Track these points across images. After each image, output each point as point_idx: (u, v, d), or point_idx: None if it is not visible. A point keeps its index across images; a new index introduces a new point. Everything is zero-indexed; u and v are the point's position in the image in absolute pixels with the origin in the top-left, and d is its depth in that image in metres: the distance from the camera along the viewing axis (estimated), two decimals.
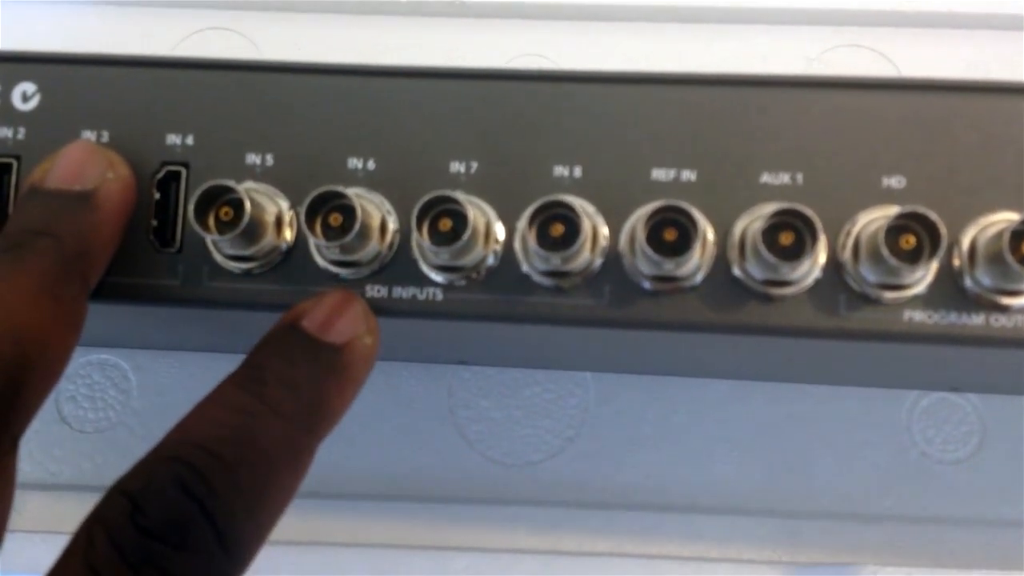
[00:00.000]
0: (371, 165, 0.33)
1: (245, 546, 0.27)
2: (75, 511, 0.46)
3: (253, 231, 0.31)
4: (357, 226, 0.30)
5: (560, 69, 0.33)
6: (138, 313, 0.36)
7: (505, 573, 0.44)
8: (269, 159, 0.33)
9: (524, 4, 0.50)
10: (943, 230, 0.29)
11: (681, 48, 0.51)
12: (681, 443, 0.46)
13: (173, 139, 0.33)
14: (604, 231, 0.32)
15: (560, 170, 0.33)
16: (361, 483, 0.46)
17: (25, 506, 0.46)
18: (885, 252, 0.29)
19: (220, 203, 0.31)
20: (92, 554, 0.25)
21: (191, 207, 0.30)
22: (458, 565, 0.44)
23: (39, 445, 0.47)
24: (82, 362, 0.48)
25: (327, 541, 0.45)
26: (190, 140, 0.33)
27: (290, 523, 0.45)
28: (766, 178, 0.32)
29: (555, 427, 0.46)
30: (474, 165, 0.33)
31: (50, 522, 0.46)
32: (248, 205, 0.30)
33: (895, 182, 0.32)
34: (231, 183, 0.30)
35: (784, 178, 0.32)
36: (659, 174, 0.32)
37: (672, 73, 0.33)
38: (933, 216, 0.29)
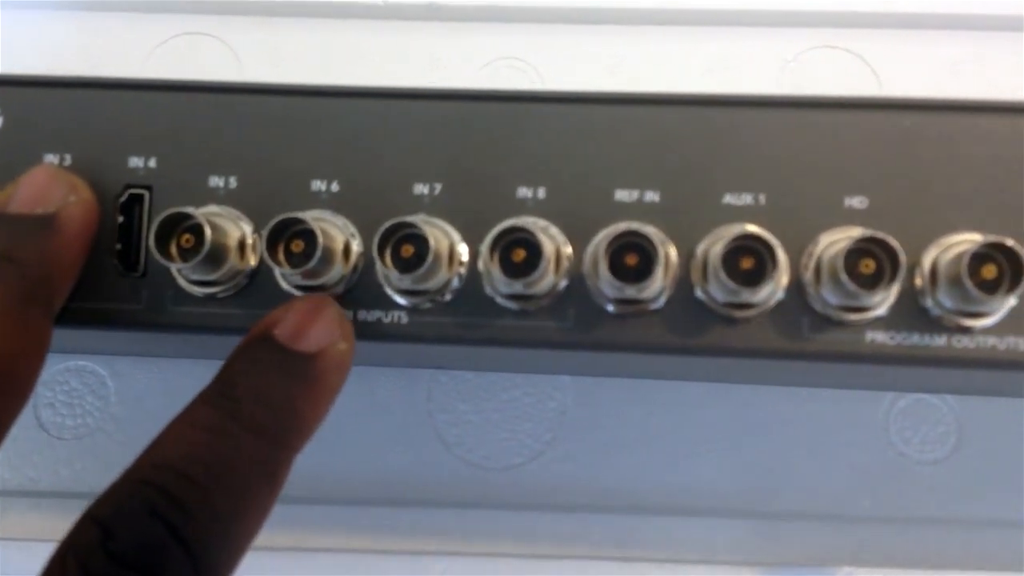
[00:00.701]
0: (335, 187, 0.33)
1: (219, 570, 0.27)
2: (54, 518, 0.46)
3: (215, 257, 0.31)
4: (318, 253, 0.30)
5: (524, 90, 0.33)
6: (105, 335, 0.36)
7: None
8: (232, 182, 0.33)
9: (501, 8, 0.50)
10: (902, 256, 0.29)
11: (658, 51, 0.51)
12: (659, 445, 0.46)
13: (136, 162, 0.33)
14: (568, 251, 0.32)
15: (524, 191, 0.33)
16: (340, 488, 0.46)
17: (3, 513, 0.46)
18: (844, 277, 0.29)
19: (181, 230, 0.31)
20: None
21: (151, 236, 0.30)
22: (437, 568, 0.44)
23: (17, 452, 0.47)
24: (60, 368, 0.48)
25: (306, 547, 0.45)
26: (153, 163, 0.33)
27: (268, 529, 0.46)
28: (729, 199, 0.32)
29: (534, 430, 0.46)
30: (438, 187, 0.33)
31: (29, 529, 0.46)
32: (208, 232, 0.30)
33: (857, 202, 0.32)
34: (190, 210, 0.30)
35: (747, 199, 0.32)
36: (622, 195, 0.32)
37: (635, 93, 0.33)
38: (892, 241, 0.29)
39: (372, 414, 0.47)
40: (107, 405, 0.47)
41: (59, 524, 0.45)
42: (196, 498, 0.26)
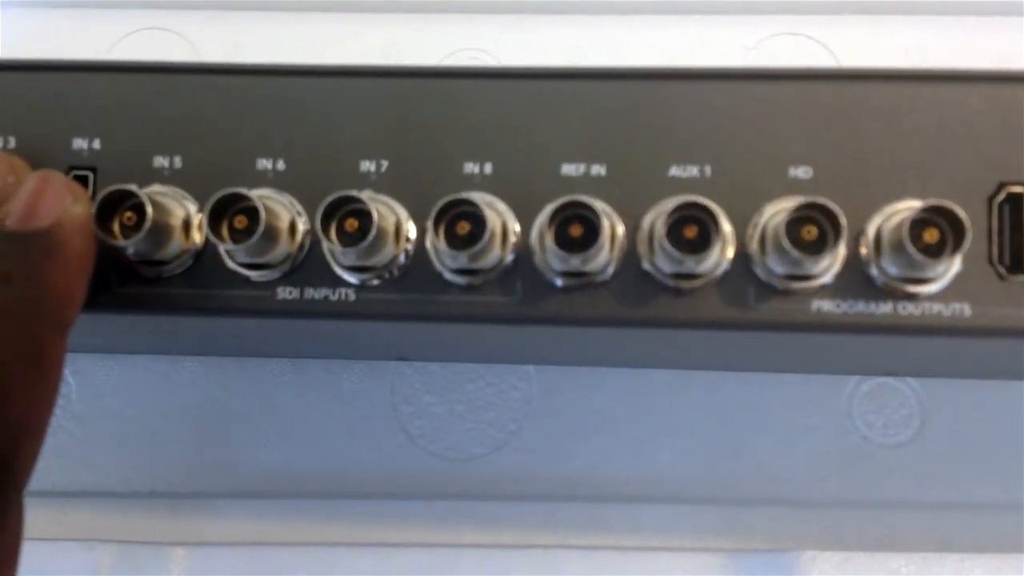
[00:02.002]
0: (280, 165, 0.33)
1: (6, 451, 0.27)
2: None
3: (158, 235, 0.31)
4: (261, 228, 0.30)
5: (468, 66, 0.33)
6: None
7: (449, 567, 0.44)
8: (177, 161, 0.33)
9: None
10: (843, 220, 0.29)
11: (620, 40, 0.51)
12: (623, 433, 0.46)
13: (80, 143, 0.33)
14: (515, 227, 0.32)
15: (471, 167, 0.33)
16: (304, 482, 0.46)
17: None
18: (787, 243, 0.29)
19: (124, 208, 0.31)
20: None
21: (93, 214, 0.30)
22: (402, 560, 0.44)
23: None
24: None
25: (270, 541, 0.45)
26: (97, 144, 0.33)
27: (234, 523, 0.46)
28: (675, 171, 0.32)
29: (498, 420, 0.46)
30: (384, 164, 0.33)
31: None
32: (150, 209, 0.30)
33: (802, 172, 0.32)
34: (131, 187, 0.30)
35: (692, 171, 0.32)
36: (569, 169, 0.32)
37: (579, 68, 0.33)
38: (832, 206, 0.29)
39: (337, 407, 0.47)
40: (68, 403, 0.47)
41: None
42: None
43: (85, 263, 0.31)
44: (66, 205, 0.30)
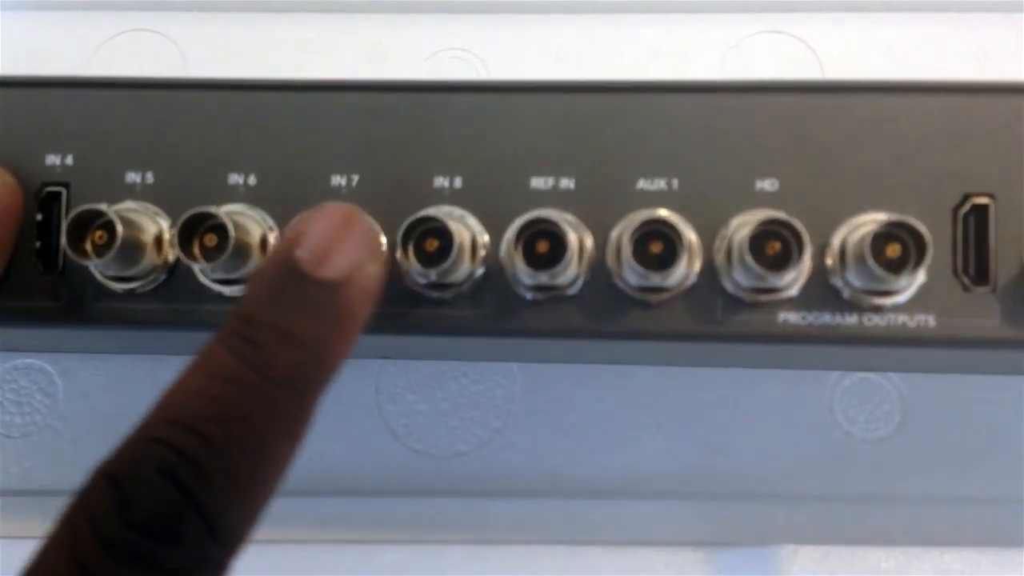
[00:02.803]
0: (252, 180, 0.33)
1: (238, 533, 0.25)
2: (4, 516, 0.47)
3: (130, 252, 0.31)
4: (231, 246, 0.30)
5: (438, 80, 0.34)
6: (43, 333, 0.36)
7: (434, 564, 0.45)
8: (149, 177, 0.33)
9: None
10: (805, 236, 0.29)
11: (603, 39, 0.51)
12: (607, 430, 0.46)
13: (53, 159, 0.33)
14: (485, 240, 0.33)
15: (441, 181, 0.33)
16: (289, 480, 0.46)
17: None
18: (750, 259, 0.29)
19: (95, 226, 0.31)
20: (77, 549, 0.23)
21: (63, 234, 0.30)
22: (387, 557, 0.45)
23: None
24: (8, 367, 0.48)
25: (256, 539, 0.45)
26: (70, 160, 0.33)
27: None
28: (642, 184, 0.32)
29: (482, 418, 0.47)
30: (355, 178, 0.33)
31: None
32: (120, 227, 0.30)
33: (768, 185, 0.32)
34: (101, 207, 0.30)
35: (660, 184, 0.32)
36: (538, 183, 0.33)
37: (547, 81, 0.33)
38: (795, 222, 0.29)
39: (321, 405, 0.47)
40: (55, 403, 0.48)
41: (9, 522, 0.46)
42: (213, 461, 0.24)
43: (358, 333, 0.28)
44: (363, 259, 0.27)
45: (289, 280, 0.26)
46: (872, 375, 0.46)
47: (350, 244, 0.27)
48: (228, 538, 0.25)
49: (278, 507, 0.46)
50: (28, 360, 0.48)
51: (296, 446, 0.27)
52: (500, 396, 0.47)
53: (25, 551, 0.43)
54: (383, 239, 0.29)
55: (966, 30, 0.49)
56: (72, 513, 0.24)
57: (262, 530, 0.46)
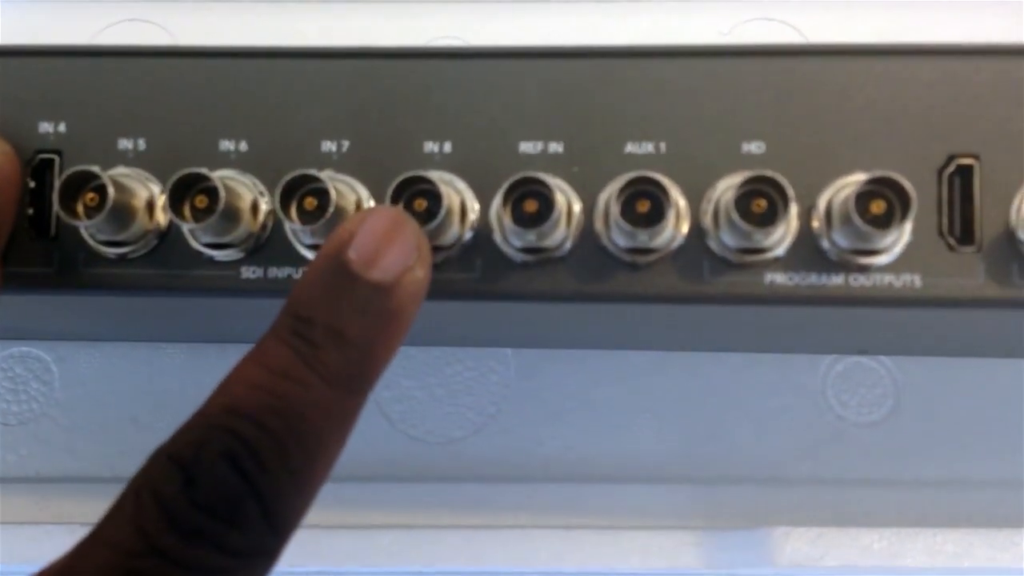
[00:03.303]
0: (243, 147, 0.33)
1: (290, 522, 0.26)
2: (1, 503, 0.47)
3: (121, 215, 0.31)
4: (220, 207, 0.30)
5: (427, 47, 0.34)
6: (39, 309, 0.36)
7: (429, 549, 0.45)
8: (141, 144, 0.33)
9: None
10: (790, 191, 0.29)
11: (595, 26, 0.51)
12: (601, 415, 0.47)
13: (46, 127, 0.33)
14: (475, 205, 0.33)
15: (430, 146, 0.33)
16: None
17: None
18: (736, 216, 0.29)
19: (87, 189, 0.31)
20: (142, 517, 0.24)
21: (56, 195, 0.30)
22: (383, 542, 0.45)
23: None
24: (4, 355, 0.48)
25: None
26: (62, 127, 0.34)
27: None
28: (631, 148, 0.32)
29: (477, 404, 0.47)
30: (345, 144, 0.33)
31: None
32: (111, 189, 0.30)
33: (755, 147, 0.32)
34: (95, 169, 0.31)
35: (648, 147, 0.32)
36: (527, 147, 0.33)
37: (537, 47, 0.33)
38: (779, 177, 0.29)
39: None
40: (52, 391, 0.48)
41: (7, 509, 0.46)
42: (271, 450, 0.25)
43: (405, 336, 0.29)
44: (411, 262, 0.28)
45: (340, 280, 0.27)
46: (864, 359, 0.47)
47: (399, 247, 0.28)
48: (282, 526, 0.26)
49: None
50: (24, 348, 0.48)
51: (343, 443, 0.28)
52: (494, 381, 0.47)
53: (21, 536, 0.44)
54: (429, 244, 0.29)
55: (957, 16, 0.50)
56: (137, 488, 0.25)
57: None
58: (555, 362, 0.47)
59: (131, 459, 0.46)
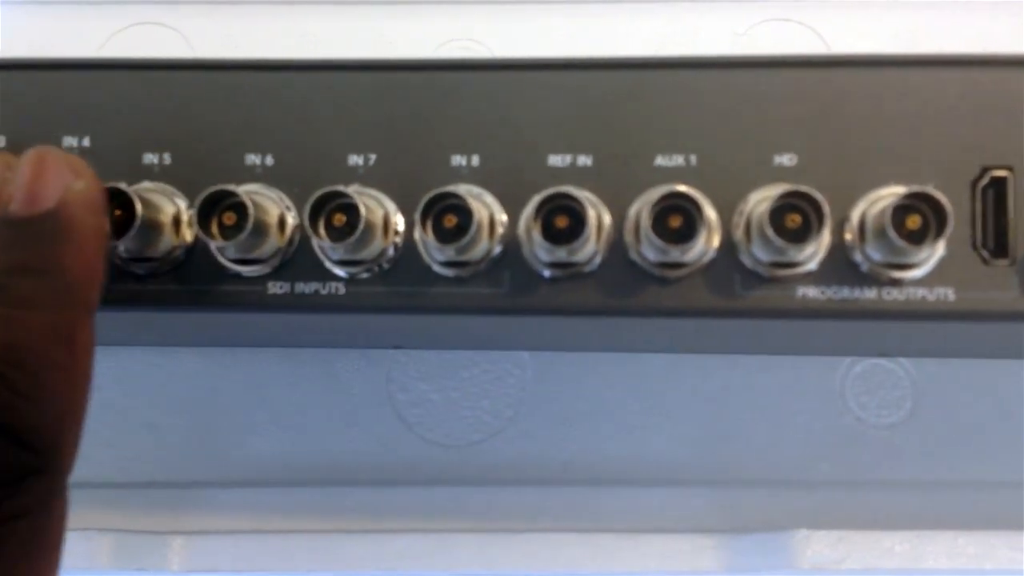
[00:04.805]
0: (269, 161, 0.33)
1: (48, 437, 0.27)
2: None
3: (149, 233, 0.31)
4: (250, 224, 0.30)
5: (455, 58, 0.34)
6: None
7: (446, 553, 0.45)
8: (167, 158, 0.33)
9: None
10: (825, 207, 0.29)
11: (612, 28, 0.51)
12: (618, 418, 0.46)
13: (69, 141, 0.33)
14: (503, 218, 0.32)
15: (458, 160, 0.33)
16: (302, 470, 0.47)
17: None
18: (770, 232, 0.29)
19: (113, 206, 0.31)
20: None
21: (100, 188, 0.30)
22: (399, 547, 0.45)
23: None
24: None
25: (268, 529, 0.45)
26: (87, 142, 0.33)
27: (232, 512, 0.46)
28: (660, 161, 0.32)
29: (494, 407, 0.47)
30: (372, 157, 0.33)
31: None
32: (139, 206, 0.30)
33: (787, 160, 0.32)
34: (121, 186, 0.30)
35: (678, 160, 0.32)
36: (555, 160, 0.33)
37: (565, 59, 0.33)
38: (815, 193, 0.29)
39: (333, 395, 0.47)
40: None
41: None
42: None
43: (100, 240, 0.30)
44: (68, 182, 0.29)
45: (12, 230, 0.29)
46: (883, 361, 0.46)
47: (50, 175, 0.29)
48: (39, 441, 0.27)
49: (290, 496, 0.46)
50: None
51: (75, 357, 0.28)
52: (511, 385, 0.47)
53: None
54: (81, 159, 0.30)
55: (975, 18, 0.49)
56: None
57: (275, 520, 0.46)
58: (572, 366, 0.47)
59: (145, 463, 0.47)
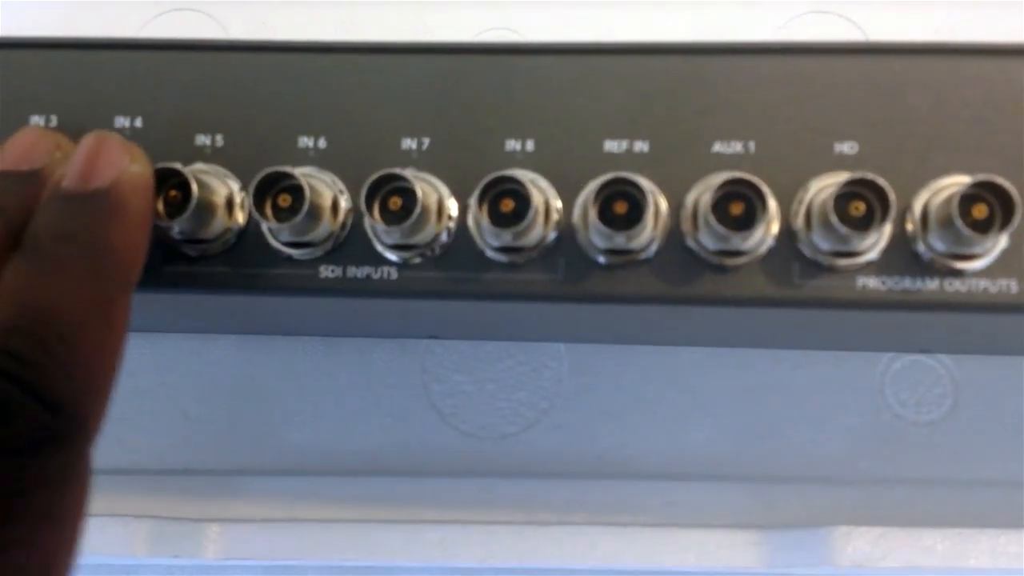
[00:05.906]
0: (322, 143, 0.33)
1: (73, 403, 0.27)
2: None
3: (202, 214, 0.31)
4: (305, 207, 0.30)
5: (510, 42, 0.33)
6: None
7: (480, 545, 0.44)
8: (219, 140, 0.33)
9: None
10: (891, 195, 0.28)
11: (649, 19, 0.51)
12: (654, 412, 0.46)
13: (121, 121, 0.33)
14: (557, 205, 0.32)
15: (512, 144, 0.32)
16: (336, 459, 0.46)
17: None
18: (834, 219, 0.29)
19: (168, 186, 0.31)
20: None
21: (151, 173, 0.30)
22: (433, 537, 0.44)
23: None
24: None
25: (303, 518, 0.45)
26: (139, 123, 0.33)
27: (267, 500, 0.46)
28: (718, 147, 0.32)
29: (529, 399, 0.46)
30: (426, 141, 0.33)
31: None
32: (195, 187, 0.30)
33: (847, 148, 0.31)
34: (176, 166, 0.30)
35: (736, 147, 0.32)
36: (611, 146, 0.32)
37: (622, 43, 0.33)
38: (881, 181, 0.28)
39: (368, 386, 0.47)
40: None
41: None
42: (32, 347, 0.27)
43: (146, 222, 0.31)
44: (124, 165, 0.30)
45: (62, 202, 0.30)
46: (923, 357, 0.46)
47: (107, 155, 0.30)
48: (62, 405, 0.27)
49: (325, 486, 0.46)
50: None
51: (111, 333, 0.29)
52: (547, 377, 0.46)
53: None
54: (139, 147, 0.31)
55: (1015, 11, 0.49)
56: None
57: (310, 509, 0.46)
58: (608, 358, 0.47)
59: (181, 451, 0.47)
